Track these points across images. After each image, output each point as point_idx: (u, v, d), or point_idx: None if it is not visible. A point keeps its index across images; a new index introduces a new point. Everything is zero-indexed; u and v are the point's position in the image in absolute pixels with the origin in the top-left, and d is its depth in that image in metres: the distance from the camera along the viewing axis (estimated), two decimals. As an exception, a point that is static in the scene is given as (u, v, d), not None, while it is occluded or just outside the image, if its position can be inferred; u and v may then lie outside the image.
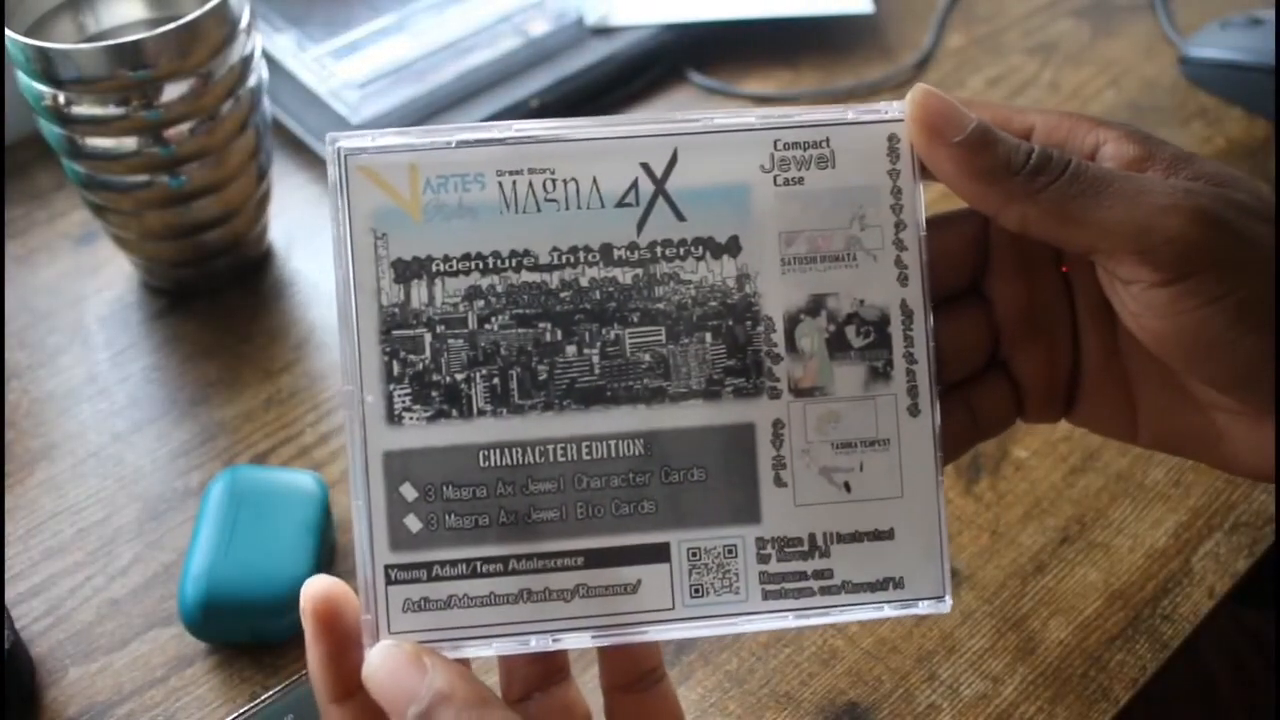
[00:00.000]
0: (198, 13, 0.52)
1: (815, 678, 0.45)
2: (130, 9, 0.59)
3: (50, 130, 0.54)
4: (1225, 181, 0.32)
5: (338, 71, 0.69)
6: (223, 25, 0.53)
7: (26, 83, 0.53)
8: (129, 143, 0.53)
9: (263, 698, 0.43)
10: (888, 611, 0.33)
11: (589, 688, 0.37)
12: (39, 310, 0.60)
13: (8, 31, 0.51)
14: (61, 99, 0.52)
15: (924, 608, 0.33)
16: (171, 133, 0.53)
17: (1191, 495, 0.51)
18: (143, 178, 0.55)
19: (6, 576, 0.49)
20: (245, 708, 0.43)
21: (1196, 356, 0.32)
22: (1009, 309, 0.36)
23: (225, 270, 0.61)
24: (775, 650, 0.46)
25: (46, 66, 0.51)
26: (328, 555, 0.48)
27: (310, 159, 0.68)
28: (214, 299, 0.61)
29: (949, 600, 0.33)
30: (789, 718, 0.44)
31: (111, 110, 0.52)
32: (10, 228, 0.65)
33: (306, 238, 0.64)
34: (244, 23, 0.55)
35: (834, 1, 0.74)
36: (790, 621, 0.32)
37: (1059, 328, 0.36)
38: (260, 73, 0.57)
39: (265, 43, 0.69)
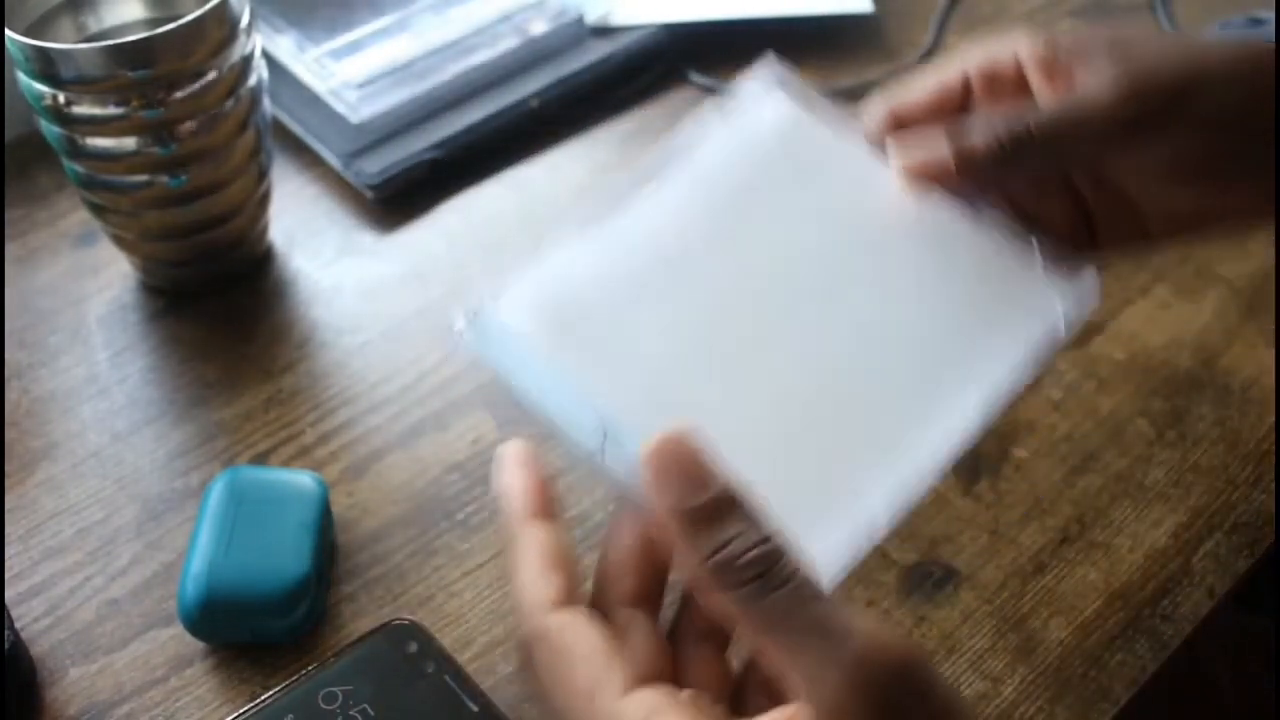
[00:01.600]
0: (198, 13, 0.52)
1: (815, 678, 0.45)
2: (130, 9, 0.59)
3: (50, 130, 0.54)
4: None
5: (338, 71, 0.69)
6: (223, 25, 0.53)
7: (26, 83, 0.53)
8: (129, 143, 0.53)
9: (263, 698, 0.43)
10: None
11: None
12: (39, 310, 0.60)
13: (8, 31, 0.51)
14: (61, 99, 0.52)
15: None
16: (171, 133, 0.53)
17: (1191, 495, 0.51)
18: (143, 178, 0.55)
19: (7, 576, 0.49)
20: (245, 708, 0.43)
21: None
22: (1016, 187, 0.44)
23: (225, 270, 0.61)
24: (775, 650, 0.46)
25: (46, 66, 0.51)
26: (328, 555, 0.48)
27: (310, 159, 0.68)
28: (214, 299, 0.60)
29: None
30: (789, 718, 0.44)
31: (111, 110, 0.52)
32: (10, 228, 0.65)
33: (306, 238, 0.64)
34: (244, 23, 0.55)
35: (834, 1, 0.74)
36: None
37: (1060, 192, 0.43)
38: (260, 72, 0.57)
39: (265, 43, 0.68)
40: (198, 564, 0.46)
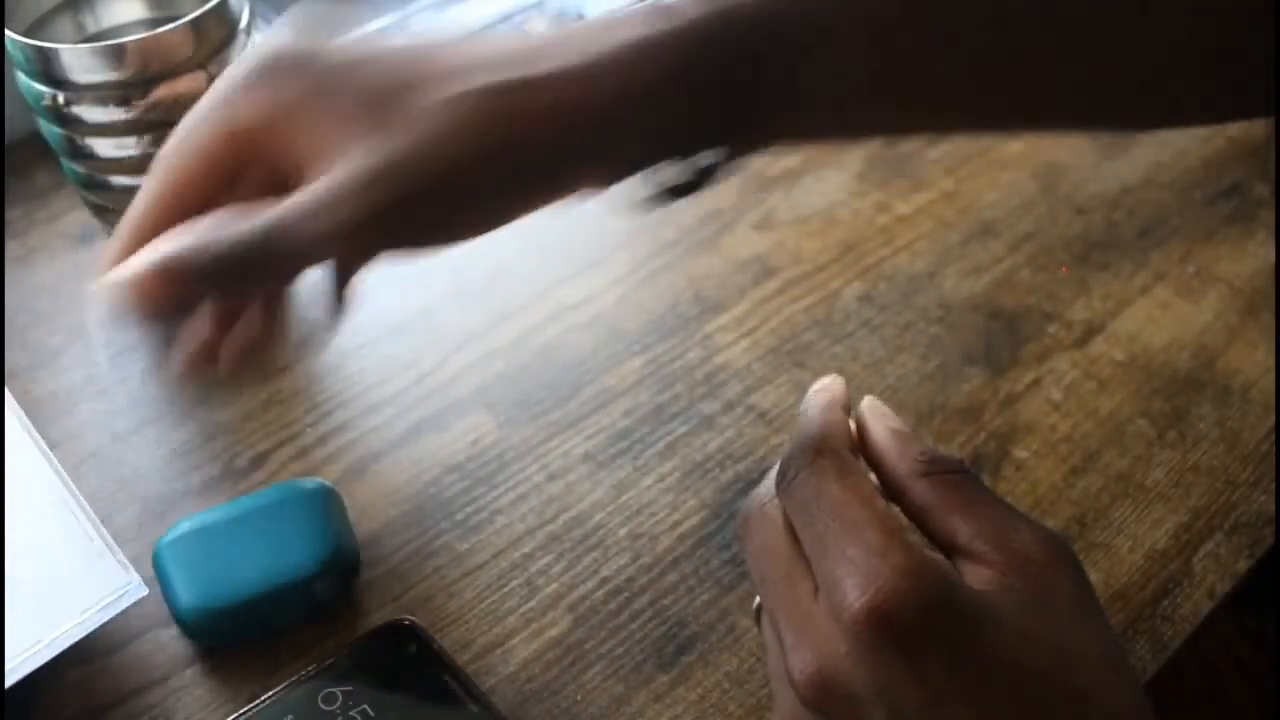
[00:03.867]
0: (197, 13, 0.52)
1: (815, 678, 0.45)
2: (130, 9, 0.59)
3: (50, 130, 0.54)
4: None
5: (338, 71, 0.69)
6: (223, 25, 0.53)
7: (26, 83, 0.53)
8: (129, 143, 0.53)
9: (263, 698, 0.43)
10: None
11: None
12: (39, 310, 0.60)
13: (8, 31, 0.51)
14: (61, 99, 0.52)
15: None
16: (171, 133, 0.53)
17: (1192, 496, 0.51)
18: (142, 178, 0.54)
19: (6, 577, 0.49)
20: (245, 708, 0.43)
21: None
22: None
23: (225, 270, 0.61)
24: (775, 651, 0.46)
25: (46, 66, 0.51)
26: (329, 557, 0.48)
27: (310, 159, 0.67)
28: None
29: None
30: (789, 718, 0.44)
31: (111, 110, 0.52)
32: (10, 228, 0.65)
33: (306, 238, 0.64)
34: (244, 22, 0.54)
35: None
36: None
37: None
38: (260, 73, 0.57)
39: (265, 43, 0.68)
40: (194, 570, 0.46)
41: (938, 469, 0.35)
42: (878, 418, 0.37)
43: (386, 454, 0.53)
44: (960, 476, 0.35)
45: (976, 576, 0.32)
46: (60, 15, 0.57)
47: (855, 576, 0.31)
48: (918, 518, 0.35)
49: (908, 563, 0.31)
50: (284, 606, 0.46)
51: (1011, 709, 0.30)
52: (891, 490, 0.36)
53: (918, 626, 0.30)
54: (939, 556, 0.33)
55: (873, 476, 0.36)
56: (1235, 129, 0.68)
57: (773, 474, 0.36)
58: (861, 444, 0.37)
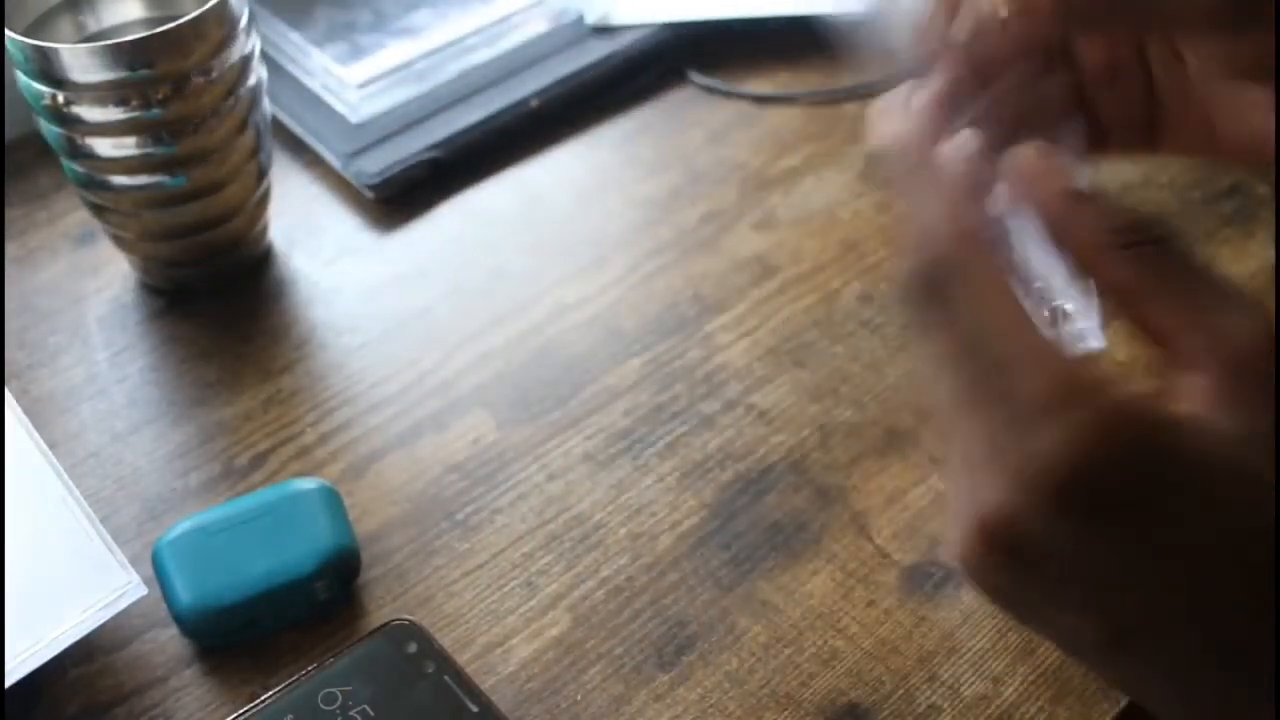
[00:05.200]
0: (197, 12, 0.52)
1: (815, 678, 0.45)
2: (130, 9, 0.59)
3: (50, 130, 0.54)
4: None
5: (338, 71, 0.69)
6: (223, 25, 0.53)
7: (26, 83, 0.53)
8: (128, 143, 0.53)
9: (263, 698, 0.43)
10: None
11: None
12: (39, 310, 0.60)
13: (8, 31, 0.51)
14: (61, 99, 0.52)
15: None
16: (171, 132, 0.53)
17: (1192, 495, 0.51)
18: (142, 178, 0.55)
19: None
20: (245, 708, 0.43)
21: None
22: (1093, 60, 0.39)
23: (225, 270, 0.61)
24: (775, 651, 0.46)
25: (46, 66, 0.51)
26: (329, 557, 0.48)
27: (310, 159, 0.68)
28: (213, 299, 0.60)
29: None
30: (789, 718, 0.44)
31: (111, 110, 0.52)
32: (10, 228, 0.65)
33: (306, 238, 0.64)
34: (244, 22, 0.55)
35: (834, 1, 0.74)
36: None
37: (1136, 73, 0.39)
38: (260, 72, 0.57)
39: (265, 43, 0.68)
40: (193, 570, 0.46)
41: (1132, 238, 0.29)
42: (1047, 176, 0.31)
43: (386, 454, 0.53)
44: (1161, 247, 0.29)
45: (1190, 389, 0.27)
46: (60, 15, 0.57)
47: (1036, 431, 0.26)
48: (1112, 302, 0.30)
49: (1096, 416, 0.26)
50: (284, 606, 0.46)
51: (1235, 573, 0.26)
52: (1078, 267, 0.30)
53: (1121, 491, 0.26)
54: (1134, 392, 0.27)
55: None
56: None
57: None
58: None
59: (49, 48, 0.51)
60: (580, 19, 0.73)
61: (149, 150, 0.53)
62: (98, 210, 0.57)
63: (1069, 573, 0.27)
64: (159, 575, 0.46)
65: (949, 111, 0.35)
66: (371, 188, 0.64)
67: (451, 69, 0.70)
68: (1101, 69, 0.39)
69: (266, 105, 0.58)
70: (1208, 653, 0.27)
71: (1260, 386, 0.27)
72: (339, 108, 0.68)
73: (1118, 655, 0.28)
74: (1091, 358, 0.29)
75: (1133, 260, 0.29)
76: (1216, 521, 0.26)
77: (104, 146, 0.53)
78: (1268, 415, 0.27)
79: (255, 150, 0.58)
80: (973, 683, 0.45)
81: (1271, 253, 0.60)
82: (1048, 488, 0.26)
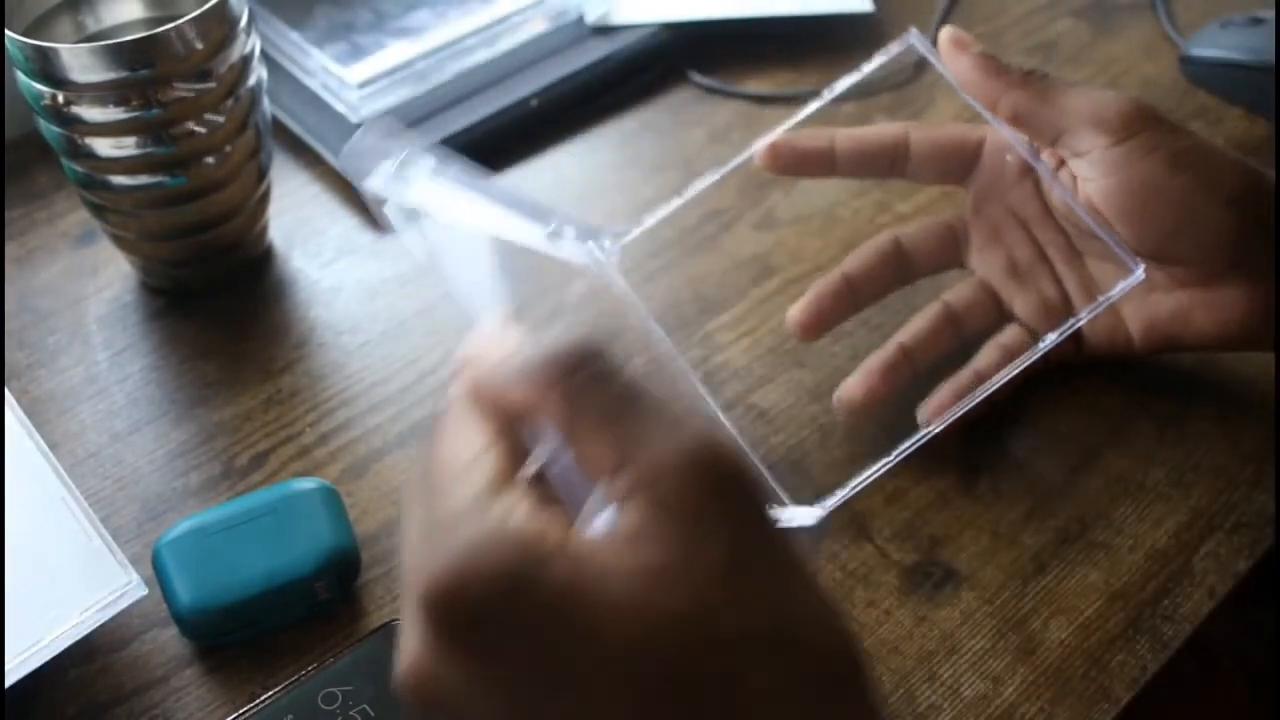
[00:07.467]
0: (197, 12, 0.52)
1: (815, 678, 0.45)
2: (130, 9, 0.59)
3: (50, 130, 0.54)
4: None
5: (338, 71, 0.69)
6: (223, 25, 0.53)
7: (26, 83, 0.53)
8: (129, 143, 0.53)
9: (263, 698, 0.43)
10: None
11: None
12: (39, 310, 0.60)
13: (8, 31, 0.51)
14: (61, 99, 0.52)
15: None
16: (171, 132, 0.53)
17: (1192, 495, 0.51)
18: (142, 178, 0.55)
19: (6, 577, 0.49)
20: (245, 708, 0.43)
21: (1142, 203, 0.45)
22: (995, 270, 0.51)
23: (225, 270, 0.61)
24: (775, 650, 0.46)
25: (46, 66, 0.51)
26: (329, 557, 0.48)
27: (310, 159, 0.68)
28: (214, 299, 0.60)
29: None
30: (789, 718, 0.44)
31: (111, 110, 0.52)
32: (10, 228, 0.65)
33: (306, 238, 0.64)
34: (244, 22, 0.54)
35: (834, 1, 0.74)
36: None
37: (1040, 272, 0.51)
38: (260, 72, 0.57)
39: (265, 43, 0.68)
40: (191, 570, 0.46)
41: (571, 370, 0.29)
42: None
43: (386, 454, 0.53)
44: (593, 378, 0.29)
45: (619, 520, 0.27)
46: (60, 15, 0.57)
47: (420, 555, 0.27)
48: None
49: (474, 537, 0.26)
50: (284, 606, 0.46)
51: (624, 702, 0.26)
52: None
53: (480, 619, 0.26)
54: (540, 518, 0.27)
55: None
56: (1235, 129, 0.68)
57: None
58: None
59: (49, 48, 0.51)
60: (580, 19, 0.73)
61: (149, 150, 0.53)
62: (98, 210, 0.57)
63: (481, 715, 0.26)
64: (159, 575, 0.46)
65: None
66: (371, 188, 0.64)
67: (451, 69, 0.70)
68: (1006, 273, 0.51)
69: (266, 105, 0.58)
70: None
71: (675, 522, 0.26)
72: (339, 108, 0.68)
73: None
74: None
75: (567, 398, 0.28)
76: (595, 652, 0.25)
77: (104, 146, 0.53)
78: (684, 549, 0.26)
79: (255, 150, 0.58)
80: (973, 682, 0.45)
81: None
82: (427, 607, 0.26)
